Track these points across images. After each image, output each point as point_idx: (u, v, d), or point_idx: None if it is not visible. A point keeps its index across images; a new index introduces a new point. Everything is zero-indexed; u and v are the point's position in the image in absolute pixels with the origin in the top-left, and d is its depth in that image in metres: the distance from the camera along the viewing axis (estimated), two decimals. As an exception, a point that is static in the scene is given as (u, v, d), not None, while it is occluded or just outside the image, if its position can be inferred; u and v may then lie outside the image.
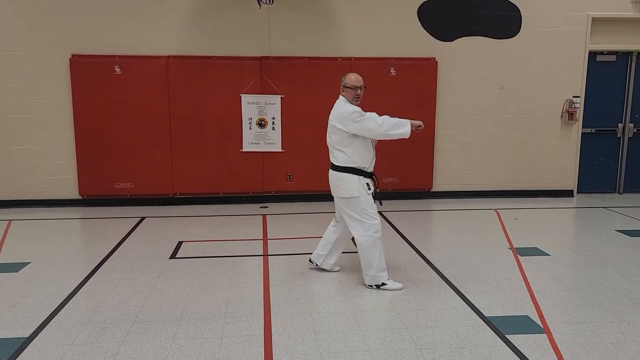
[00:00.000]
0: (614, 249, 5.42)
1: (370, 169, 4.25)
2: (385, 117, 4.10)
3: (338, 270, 4.61)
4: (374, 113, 4.15)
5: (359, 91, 4.23)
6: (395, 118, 4.11)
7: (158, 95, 7.22)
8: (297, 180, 7.55)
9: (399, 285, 4.23)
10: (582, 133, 8.06)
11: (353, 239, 5.61)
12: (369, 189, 4.17)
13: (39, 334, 3.41)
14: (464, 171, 7.97)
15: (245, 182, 7.55)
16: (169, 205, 7.46)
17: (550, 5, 7.64)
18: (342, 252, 4.70)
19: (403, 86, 7.54)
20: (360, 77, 4.25)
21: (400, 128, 4.07)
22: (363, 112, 4.15)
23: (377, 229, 4.17)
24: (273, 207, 7.27)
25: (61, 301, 3.95)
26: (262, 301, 3.97)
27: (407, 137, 4.12)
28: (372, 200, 4.20)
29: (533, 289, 4.21)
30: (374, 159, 4.27)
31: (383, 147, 7.60)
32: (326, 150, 4.41)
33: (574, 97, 7.87)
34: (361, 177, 4.16)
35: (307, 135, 7.34)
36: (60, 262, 4.89)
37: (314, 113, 7.11)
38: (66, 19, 7.03)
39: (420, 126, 4.13)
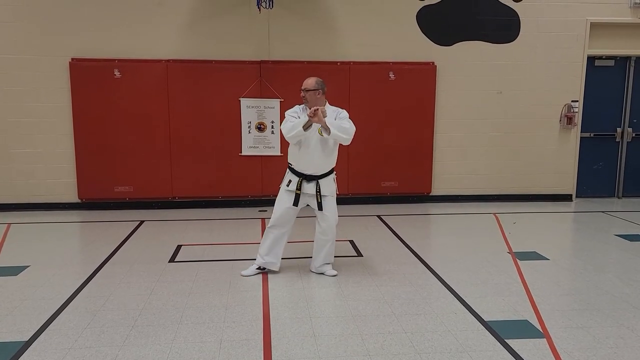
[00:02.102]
0: (613, 253, 5.42)
1: (299, 169, 4.43)
2: (288, 124, 4.33)
3: (335, 275, 4.60)
4: (287, 121, 4.37)
5: (302, 93, 4.41)
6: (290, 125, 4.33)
7: (157, 99, 7.23)
8: (296, 184, 7.53)
9: (248, 270, 4.60)
10: (580, 137, 8.08)
11: (353, 242, 5.65)
12: (287, 186, 4.45)
13: (37, 338, 3.40)
14: (463, 175, 7.97)
15: (244, 185, 7.55)
16: (168, 208, 7.45)
17: (549, 10, 7.67)
18: (337, 256, 4.74)
19: (402, 90, 7.55)
20: (307, 81, 4.43)
21: (295, 128, 4.27)
22: (286, 116, 4.42)
23: (271, 221, 4.54)
24: (272, 211, 7.24)
25: (60, 305, 3.94)
26: (261, 305, 3.96)
27: (306, 131, 4.26)
28: (284, 197, 4.46)
29: (532, 294, 4.21)
30: (302, 162, 4.40)
31: (384, 150, 7.65)
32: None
33: (572, 101, 7.89)
34: (289, 172, 4.49)
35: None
36: (59, 265, 4.88)
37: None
38: (66, 23, 7.03)
39: (314, 112, 4.18)
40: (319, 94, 4.40)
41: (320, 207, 4.44)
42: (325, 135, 4.28)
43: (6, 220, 6.67)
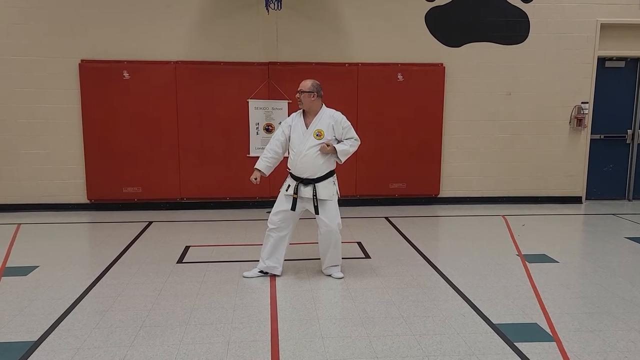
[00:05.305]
0: (623, 256, 5.37)
1: (295, 173, 4.46)
2: (271, 141, 4.60)
3: (342, 277, 4.58)
4: (275, 135, 4.61)
5: (297, 94, 4.47)
6: (266, 151, 4.59)
7: (166, 100, 7.25)
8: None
9: (250, 272, 4.62)
10: (590, 139, 8.02)
11: (361, 244, 5.64)
12: (286, 190, 4.48)
13: (46, 338, 3.42)
14: (472, 177, 7.94)
15: (252, 187, 7.48)
16: (176, 209, 7.47)
17: (559, 11, 7.62)
18: (344, 258, 4.75)
19: (410, 92, 7.53)
20: (303, 83, 4.49)
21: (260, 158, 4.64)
22: (278, 129, 4.64)
23: (269, 224, 4.54)
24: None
25: (69, 305, 3.96)
26: (269, 306, 3.96)
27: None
28: (283, 201, 4.49)
29: (542, 296, 4.18)
30: (297, 166, 4.43)
31: (392, 152, 7.64)
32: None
33: (582, 103, 7.83)
34: (288, 177, 4.55)
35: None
36: (68, 266, 4.91)
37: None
38: (75, 25, 7.09)
39: (256, 179, 4.59)
40: (313, 96, 4.41)
41: (317, 212, 4.42)
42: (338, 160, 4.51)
43: (16, 221, 6.72)
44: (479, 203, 7.94)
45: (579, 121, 7.83)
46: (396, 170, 7.71)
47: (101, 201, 7.44)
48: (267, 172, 4.61)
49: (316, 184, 4.40)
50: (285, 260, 4.65)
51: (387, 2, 7.44)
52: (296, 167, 4.44)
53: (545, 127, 7.89)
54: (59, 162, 7.30)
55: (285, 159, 4.60)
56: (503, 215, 7.16)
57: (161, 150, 7.34)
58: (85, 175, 7.32)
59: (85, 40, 7.12)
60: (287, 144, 4.55)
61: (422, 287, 4.37)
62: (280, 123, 4.74)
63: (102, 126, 7.21)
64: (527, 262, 5.07)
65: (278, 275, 4.61)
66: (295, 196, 4.42)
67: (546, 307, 3.97)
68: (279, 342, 3.37)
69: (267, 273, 4.61)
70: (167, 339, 3.42)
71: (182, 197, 7.51)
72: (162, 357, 3.18)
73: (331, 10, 7.41)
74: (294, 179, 4.48)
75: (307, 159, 4.38)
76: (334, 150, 4.39)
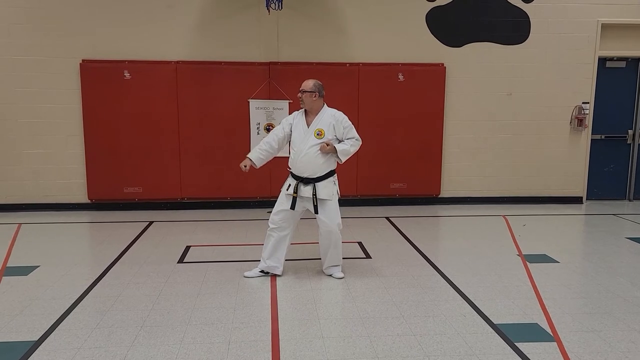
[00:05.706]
0: (624, 256, 5.37)
1: (295, 172, 4.46)
2: (265, 139, 4.60)
3: (342, 277, 4.59)
4: (274, 130, 4.61)
5: (299, 94, 4.50)
6: (262, 143, 4.60)
7: (167, 100, 7.26)
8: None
9: (251, 272, 4.61)
10: (591, 139, 8.02)
11: (362, 243, 5.64)
12: (287, 189, 4.48)
13: (47, 338, 3.42)
14: (472, 177, 7.94)
15: (253, 187, 7.56)
16: (177, 209, 7.48)
17: (560, 11, 7.62)
18: (345, 258, 4.75)
19: (411, 92, 7.53)
20: (305, 83, 4.49)
21: (257, 148, 4.65)
22: (280, 124, 4.64)
23: (270, 224, 4.55)
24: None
25: (70, 305, 3.97)
26: (269, 306, 3.96)
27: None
28: (284, 200, 4.49)
29: (542, 297, 4.18)
30: (297, 165, 4.43)
31: (393, 152, 7.64)
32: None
33: (583, 103, 7.83)
34: (289, 176, 4.54)
35: (315, 140, 7.33)
36: (69, 265, 4.92)
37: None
38: (77, 25, 7.09)
39: (245, 166, 4.58)
40: (315, 96, 4.43)
41: (316, 211, 4.42)
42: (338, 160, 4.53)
43: (17, 221, 6.73)
44: (479, 203, 7.94)
45: (580, 121, 7.82)
46: (397, 170, 7.71)
47: (102, 201, 7.44)
48: (258, 164, 4.60)
49: (316, 184, 4.41)
50: (285, 260, 4.65)
51: (388, 2, 7.44)
52: (296, 166, 4.44)
53: (546, 127, 7.89)
54: (60, 161, 7.31)
55: (283, 158, 4.61)
56: (504, 215, 7.16)
57: (162, 150, 7.35)
58: (86, 175, 7.33)
59: (86, 40, 7.13)
60: (284, 141, 4.57)
61: (423, 287, 4.37)
62: (283, 119, 4.73)
63: (103, 126, 7.21)
64: (527, 262, 5.07)
65: (279, 275, 4.61)
66: (295, 195, 4.42)
67: (547, 307, 3.97)
68: (280, 342, 3.37)
69: (267, 273, 4.61)
70: (168, 338, 3.42)
71: (183, 197, 7.52)
72: (163, 356, 3.18)
73: (332, 10, 7.41)
74: (294, 178, 4.49)
75: (308, 158, 4.38)
76: (334, 150, 4.40)
